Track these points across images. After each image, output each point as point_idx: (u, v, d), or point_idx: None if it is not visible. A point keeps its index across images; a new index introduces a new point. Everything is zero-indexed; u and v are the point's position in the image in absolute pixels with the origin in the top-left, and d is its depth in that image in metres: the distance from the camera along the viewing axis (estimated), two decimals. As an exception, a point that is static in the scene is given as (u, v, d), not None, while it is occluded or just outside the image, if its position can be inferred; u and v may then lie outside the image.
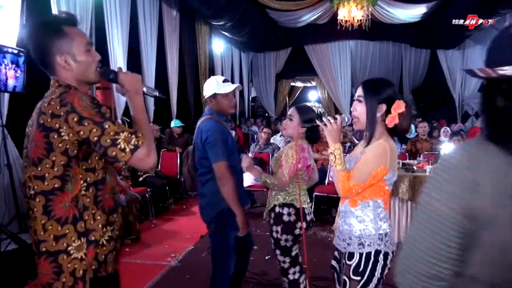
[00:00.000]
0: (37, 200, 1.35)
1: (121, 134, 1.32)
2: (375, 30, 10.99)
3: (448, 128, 7.81)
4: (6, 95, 4.24)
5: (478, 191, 0.75)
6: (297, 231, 2.40)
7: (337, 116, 1.81)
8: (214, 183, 2.32)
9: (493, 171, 0.75)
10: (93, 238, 1.38)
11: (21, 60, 4.23)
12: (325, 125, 1.78)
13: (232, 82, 2.63)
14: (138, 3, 6.85)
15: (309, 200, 2.55)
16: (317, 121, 1.85)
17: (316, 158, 6.01)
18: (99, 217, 1.40)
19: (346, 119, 1.87)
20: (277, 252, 2.44)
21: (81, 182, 1.36)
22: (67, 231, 1.35)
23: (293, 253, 2.43)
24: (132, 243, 4.40)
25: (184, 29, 8.86)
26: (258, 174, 2.36)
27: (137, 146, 1.34)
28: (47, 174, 1.34)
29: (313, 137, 2.48)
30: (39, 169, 1.34)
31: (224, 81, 2.46)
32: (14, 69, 4.10)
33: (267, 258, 3.88)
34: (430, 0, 9.44)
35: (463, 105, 12.74)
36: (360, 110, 1.74)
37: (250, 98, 14.78)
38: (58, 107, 1.30)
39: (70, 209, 1.35)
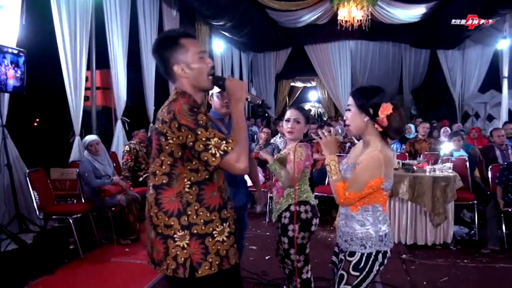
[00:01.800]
0: (150, 192, 1.59)
1: (211, 140, 1.44)
2: (375, 30, 10.98)
3: (448, 129, 7.81)
4: (6, 95, 4.24)
5: None
6: (313, 228, 2.49)
7: (331, 129, 1.94)
8: None
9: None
10: (195, 231, 1.54)
11: (21, 60, 4.23)
12: (320, 138, 1.88)
13: None
14: (138, 3, 6.85)
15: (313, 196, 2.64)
16: (313, 135, 1.95)
17: (316, 158, 6.00)
18: (201, 213, 1.55)
19: (340, 130, 1.96)
20: (292, 251, 2.44)
21: (185, 180, 1.54)
22: (172, 222, 1.54)
23: (307, 251, 2.49)
24: (132, 243, 4.40)
25: (184, 29, 8.85)
26: (270, 159, 2.47)
27: (226, 151, 1.44)
28: (157, 171, 1.56)
29: (304, 140, 2.57)
30: (152, 166, 1.58)
31: None
32: (14, 69, 4.11)
33: (267, 258, 3.88)
34: (430, 0, 9.43)
35: (463, 105, 12.73)
36: (350, 117, 1.84)
37: (250, 98, 14.76)
38: (166, 114, 1.49)
39: (175, 203, 1.54)
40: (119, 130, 6.38)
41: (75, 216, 4.09)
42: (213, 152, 1.43)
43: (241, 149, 1.47)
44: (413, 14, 10.47)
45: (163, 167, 1.54)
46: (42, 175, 4.33)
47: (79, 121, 5.29)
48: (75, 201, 4.59)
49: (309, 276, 2.52)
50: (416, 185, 4.18)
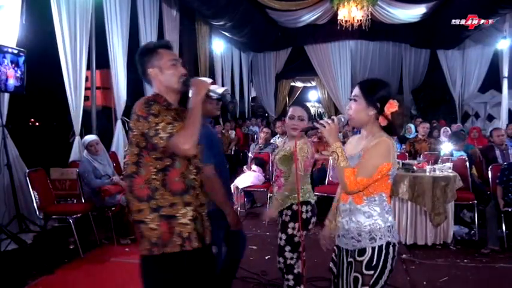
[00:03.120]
0: (126, 181, 1.82)
1: (160, 124, 1.66)
2: (375, 30, 10.98)
3: (448, 128, 7.81)
4: (6, 95, 4.24)
5: None
6: (310, 226, 2.59)
7: (334, 117, 1.89)
8: None
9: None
10: (163, 213, 1.73)
11: (21, 60, 4.23)
12: (324, 126, 1.83)
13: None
14: (138, 3, 6.84)
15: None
16: (315, 124, 1.91)
17: (316, 158, 6.00)
18: (166, 197, 1.74)
19: (343, 119, 1.94)
20: (287, 249, 2.53)
21: (152, 168, 1.74)
22: (143, 207, 1.74)
23: (300, 248, 2.53)
24: (132, 243, 4.39)
25: (184, 29, 8.86)
26: (278, 205, 2.56)
27: (172, 133, 1.66)
28: (129, 162, 1.77)
29: (306, 128, 2.55)
30: (126, 157, 1.80)
31: (211, 83, 2.59)
32: (14, 69, 4.11)
33: (267, 258, 3.88)
34: (430, 0, 9.43)
35: (463, 105, 12.74)
36: (354, 108, 1.82)
37: (250, 98, 14.78)
38: (132, 110, 1.75)
39: (145, 189, 1.74)
40: (119, 130, 6.38)
41: (75, 216, 4.09)
42: (161, 135, 1.65)
43: (187, 133, 1.67)
44: (413, 14, 10.48)
45: (132, 158, 1.76)
46: (42, 175, 4.33)
47: (79, 121, 5.29)
48: (75, 201, 4.59)
49: (300, 270, 2.55)
50: (416, 185, 4.18)
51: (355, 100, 1.81)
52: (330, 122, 1.83)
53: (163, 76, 1.82)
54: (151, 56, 1.83)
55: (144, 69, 1.86)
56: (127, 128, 6.46)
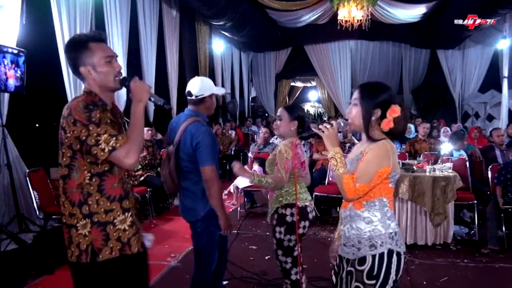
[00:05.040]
0: (60, 182, 1.67)
1: (102, 136, 1.55)
2: (375, 30, 10.98)
3: (448, 128, 7.80)
4: (6, 95, 4.24)
5: None
6: (301, 231, 2.46)
7: (333, 122, 1.85)
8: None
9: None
10: (96, 220, 1.63)
11: (21, 60, 4.23)
12: (322, 131, 1.79)
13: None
14: (138, 3, 6.85)
15: (310, 197, 2.61)
16: (313, 129, 1.87)
17: (316, 158, 6.00)
18: (102, 203, 1.64)
19: (342, 124, 1.93)
20: (280, 252, 2.50)
21: (86, 172, 1.62)
22: (75, 212, 1.63)
23: (295, 253, 2.47)
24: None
25: (184, 29, 8.86)
26: (250, 176, 2.45)
27: (114, 147, 1.55)
28: (61, 163, 1.64)
29: (305, 135, 2.53)
30: (59, 158, 1.66)
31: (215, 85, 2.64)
32: (14, 69, 4.11)
33: (267, 258, 3.88)
34: (430, 0, 9.44)
35: (463, 105, 12.74)
36: (354, 113, 1.76)
37: (250, 98, 14.78)
38: (66, 111, 1.60)
39: (76, 194, 1.63)
40: (119, 130, 6.38)
41: (75, 216, 4.08)
42: (103, 147, 1.54)
43: (131, 146, 1.58)
44: (413, 14, 10.48)
45: (64, 159, 1.63)
46: (42, 175, 4.33)
47: (79, 121, 5.27)
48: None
49: (298, 277, 2.50)
50: (416, 185, 4.18)
51: (355, 104, 1.75)
52: (328, 127, 1.78)
53: (98, 75, 1.65)
54: (82, 52, 1.64)
55: (75, 67, 1.66)
56: (127, 128, 6.46)
